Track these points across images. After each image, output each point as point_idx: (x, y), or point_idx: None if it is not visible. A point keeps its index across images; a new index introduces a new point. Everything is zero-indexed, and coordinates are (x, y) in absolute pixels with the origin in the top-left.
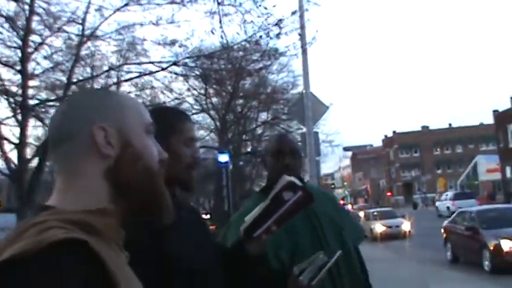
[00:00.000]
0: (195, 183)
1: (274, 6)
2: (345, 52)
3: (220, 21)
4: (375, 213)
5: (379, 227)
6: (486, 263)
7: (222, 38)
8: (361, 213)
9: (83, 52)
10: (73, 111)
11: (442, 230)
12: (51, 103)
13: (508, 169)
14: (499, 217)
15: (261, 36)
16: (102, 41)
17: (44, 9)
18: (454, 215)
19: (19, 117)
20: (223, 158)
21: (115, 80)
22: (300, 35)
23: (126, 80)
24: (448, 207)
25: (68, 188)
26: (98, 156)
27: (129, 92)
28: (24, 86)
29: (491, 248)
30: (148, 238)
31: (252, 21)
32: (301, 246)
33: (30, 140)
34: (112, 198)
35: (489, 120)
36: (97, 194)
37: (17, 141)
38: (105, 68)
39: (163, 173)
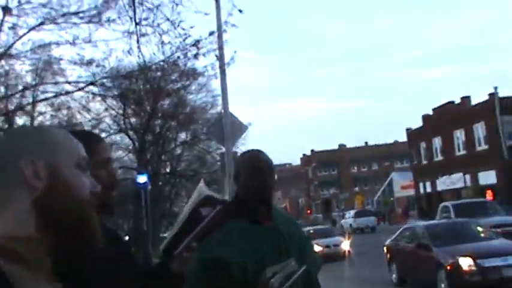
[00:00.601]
0: (114, 206)
1: (191, 27)
2: (264, 71)
3: (137, 42)
4: (311, 232)
5: (315, 248)
6: (442, 285)
7: (139, 58)
8: None
9: None
10: (6, 144)
11: (385, 249)
12: None
13: (421, 185)
14: (452, 233)
15: (178, 57)
16: (17, 60)
17: None
18: (398, 232)
19: None
20: (142, 179)
21: (30, 99)
22: (216, 56)
23: (41, 100)
24: (350, 224)
25: None
26: (27, 187)
27: (45, 112)
28: None
29: (448, 267)
30: (77, 266)
31: (169, 42)
32: (267, 261)
33: None
34: (40, 227)
35: (403, 138)
36: (24, 223)
37: None
38: (20, 87)
39: (94, 204)
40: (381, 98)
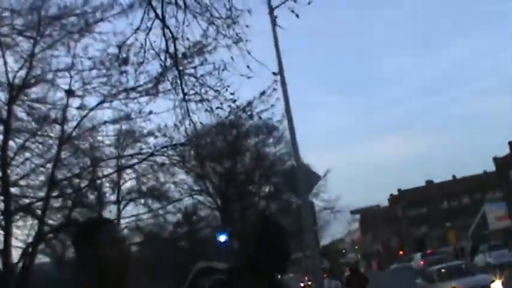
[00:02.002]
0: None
1: (232, 94)
2: (341, 112)
3: (187, 111)
4: (442, 271)
5: None
6: None
7: (189, 126)
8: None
9: None
10: None
11: None
12: None
13: None
14: None
15: (230, 120)
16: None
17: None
18: None
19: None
20: (222, 237)
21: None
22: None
23: (126, 167)
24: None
25: None
26: None
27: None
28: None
29: None
30: None
31: (218, 107)
32: None
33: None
34: None
35: (492, 167)
36: None
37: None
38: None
39: None
40: (463, 129)
